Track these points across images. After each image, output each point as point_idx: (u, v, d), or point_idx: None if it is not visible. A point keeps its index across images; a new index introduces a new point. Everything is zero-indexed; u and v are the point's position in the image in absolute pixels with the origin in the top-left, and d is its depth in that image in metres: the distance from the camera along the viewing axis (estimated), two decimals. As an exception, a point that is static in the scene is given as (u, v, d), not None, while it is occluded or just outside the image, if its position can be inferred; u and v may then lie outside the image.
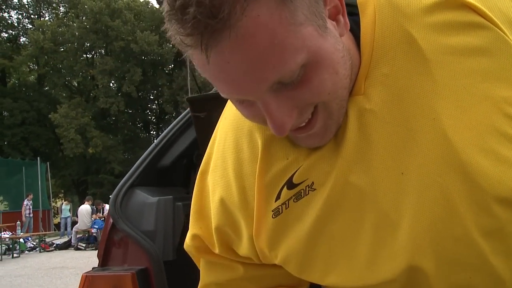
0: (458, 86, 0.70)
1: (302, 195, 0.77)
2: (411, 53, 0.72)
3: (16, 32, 34.43)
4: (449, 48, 0.71)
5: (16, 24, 34.41)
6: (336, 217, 0.76)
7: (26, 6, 34.56)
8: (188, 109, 2.29)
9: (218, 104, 2.22)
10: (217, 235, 0.89)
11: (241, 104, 0.70)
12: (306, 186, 0.77)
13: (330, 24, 0.67)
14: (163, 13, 0.62)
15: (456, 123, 0.69)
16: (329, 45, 0.65)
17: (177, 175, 2.43)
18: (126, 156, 32.36)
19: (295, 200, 0.78)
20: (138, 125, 36.88)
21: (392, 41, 0.73)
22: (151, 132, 38.27)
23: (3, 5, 33.26)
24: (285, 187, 0.78)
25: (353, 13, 0.77)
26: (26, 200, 17.52)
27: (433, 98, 0.70)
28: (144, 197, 2.03)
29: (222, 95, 0.67)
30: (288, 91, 0.65)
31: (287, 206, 0.79)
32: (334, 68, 0.66)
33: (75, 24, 32.45)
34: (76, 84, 34.47)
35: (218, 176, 0.87)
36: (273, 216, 0.80)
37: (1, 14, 33.45)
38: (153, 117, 38.61)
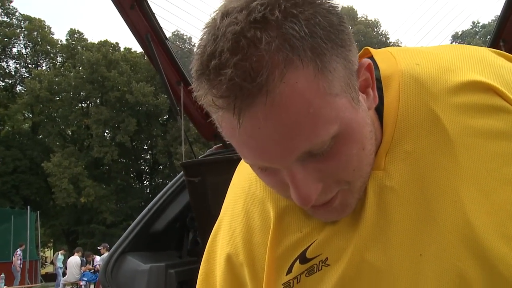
0: (481, 170, 0.69)
1: (315, 270, 0.75)
2: (435, 133, 0.71)
3: (12, 81, 34.85)
4: (474, 130, 0.71)
5: (13, 73, 34.85)
6: None
7: (25, 56, 35.08)
8: (182, 173, 2.30)
9: (212, 170, 2.24)
10: None
11: (263, 171, 0.67)
12: (319, 261, 0.74)
13: (361, 97, 0.66)
14: (192, 72, 0.60)
15: (478, 207, 0.68)
16: (360, 118, 0.65)
17: (170, 239, 2.40)
18: (118, 206, 32.04)
19: (307, 275, 0.75)
20: (131, 175, 36.70)
21: (416, 119, 0.72)
22: (144, 182, 38.07)
23: (2, 55, 33.73)
24: (298, 261, 0.76)
25: (376, 87, 0.76)
26: (19, 249, 17.14)
27: (456, 180, 0.69)
28: (136, 264, 1.99)
29: (245, 161, 0.65)
30: (316, 163, 0.63)
31: (298, 281, 0.76)
32: (362, 143, 0.66)
33: (71, 74, 32.87)
34: (70, 133, 34.53)
35: (225, 244, 0.85)
36: None
37: (-1, 63, 33.92)
38: (147, 167, 38.51)
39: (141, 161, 38.19)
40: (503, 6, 2.10)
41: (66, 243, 30.81)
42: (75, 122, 33.05)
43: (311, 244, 0.75)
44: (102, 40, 33.73)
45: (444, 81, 0.73)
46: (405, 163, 0.71)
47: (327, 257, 0.74)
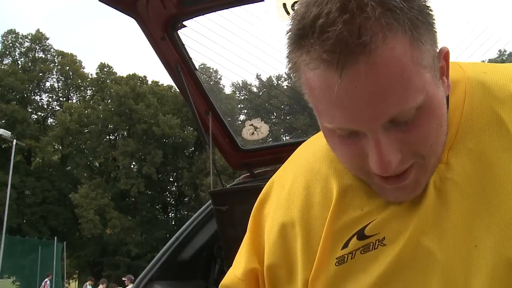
0: None
1: (371, 248, 0.77)
2: (500, 133, 0.74)
3: (44, 114, 35.76)
4: None
5: (45, 106, 35.82)
6: (401, 276, 0.75)
7: (57, 89, 36.09)
8: (210, 201, 2.30)
9: (240, 198, 2.24)
10: (268, 274, 0.86)
11: (344, 139, 0.70)
12: (376, 240, 0.76)
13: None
14: (288, 35, 0.67)
15: None
16: (440, 97, 0.68)
17: (197, 268, 2.39)
18: (143, 238, 32.09)
19: (362, 252, 0.77)
20: (157, 206, 36.85)
21: (480, 120, 0.75)
22: (170, 215, 38.14)
23: (36, 89, 34.77)
24: (355, 236, 0.78)
25: None
26: (47, 279, 17.23)
27: None
28: (163, 293, 1.98)
29: (331, 125, 0.68)
30: (398, 132, 0.66)
31: (353, 256, 0.78)
32: (441, 120, 0.69)
33: (100, 107, 33.58)
34: (98, 165, 35.04)
35: (279, 215, 0.86)
36: (337, 264, 0.79)
37: (33, 97, 34.90)
38: (172, 199, 38.64)
39: (167, 193, 38.36)
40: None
41: (91, 275, 30.89)
42: (103, 154, 33.56)
43: (370, 222, 0.77)
44: (131, 74, 34.50)
45: (510, 88, 0.77)
46: (467, 158, 0.74)
47: (384, 237, 0.76)
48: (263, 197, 0.93)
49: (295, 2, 2.11)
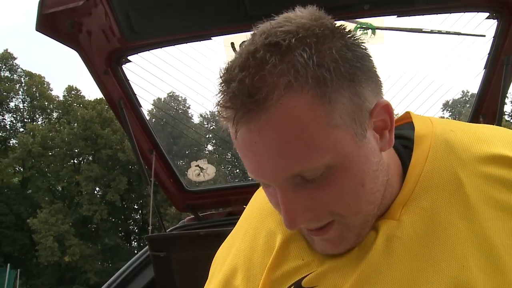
0: (498, 244, 0.69)
1: None
2: (456, 196, 0.71)
3: (6, 134, 34.83)
4: (496, 202, 0.71)
5: (8, 127, 34.94)
6: None
7: (22, 110, 35.32)
8: (147, 247, 2.19)
9: (178, 245, 2.13)
10: None
11: (267, 188, 0.72)
12: None
13: (371, 135, 0.68)
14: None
15: (486, 279, 0.67)
16: (361, 155, 0.66)
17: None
18: (104, 266, 31.23)
19: None
20: (120, 234, 36.02)
21: (439, 179, 0.73)
22: (133, 243, 37.27)
23: (-1, 109, 34.02)
24: (292, 287, 0.76)
25: (407, 147, 0.79)
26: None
27: (469, 246, 0.68)
28: None
29: (248, 173, 0.68)
30: (309, 190, 0.66)
31: None
32: (361, 179, 0.67)
33: (65, 130, 32.94)
34: (60, 189, 34.16)
35: (224, 254, 0.87)
36: None
37: (-5, 117, 34.11)
38: (136, 228, 37.84)
39: (131, 220, 37.58)
40: (480, 85, 2.11)
41: (46, 304, 29.76)
42: (66, 178, 32.75)
43: (309, 274, 0.75)
44: (98, 98, 34.00)
45: (474, 149, 0.75)
46: (419, 218, 0.72)
47: None
48: (229, 240, 0.92)
49: (244, 42, 2.04)
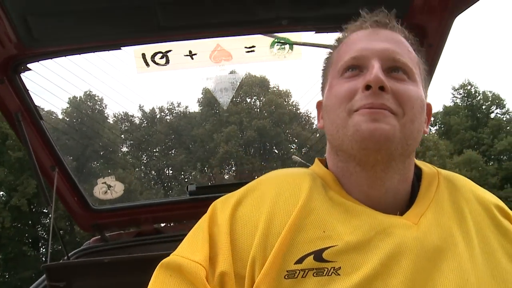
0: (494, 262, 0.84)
1: (324, 274, 0.75)
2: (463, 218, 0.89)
3: None
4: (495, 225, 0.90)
5: None
6: None
7: None
8: (44, 276, 1.99)
9: (79, 274, 1.95)
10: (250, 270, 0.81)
11: (347, 79, 0.89)
12: (332, 267, 0.76)
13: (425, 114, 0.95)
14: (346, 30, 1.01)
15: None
16: (423, 106, 0.91)
17: None
18: (6, 278, 29.26)
19: (315, 275, 0.75)
20: (26, 241, 33.94)
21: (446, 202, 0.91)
22: (41, 250, 35.26)
23: None
24: (312, 256, 0.77)
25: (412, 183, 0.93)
26: None
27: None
28: None
29: (352, 55, 0.90)
30: (393, 80, 0.86)
31: (304, 275, 0.76)
32: (419, 111, 0.88)
33: (-32, 130, 30.63)
34: (-40, 194, 31.67)
35: (252, 214, 0.85)
36: (286, 277, 0.76)
37: None
38: (45, 233, 35.85)
39: (39, 226, 35.53)
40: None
41: None
42: (-33, 182, 30.43)
43: (331, 247, 0.77)
44: None
45: (471, 185, 0.97)
46: (436, 227, 0.83)
47: (340, 267, 0.76)
48: (237, 201, 0.88)
49: (156, 53, 1.94)
